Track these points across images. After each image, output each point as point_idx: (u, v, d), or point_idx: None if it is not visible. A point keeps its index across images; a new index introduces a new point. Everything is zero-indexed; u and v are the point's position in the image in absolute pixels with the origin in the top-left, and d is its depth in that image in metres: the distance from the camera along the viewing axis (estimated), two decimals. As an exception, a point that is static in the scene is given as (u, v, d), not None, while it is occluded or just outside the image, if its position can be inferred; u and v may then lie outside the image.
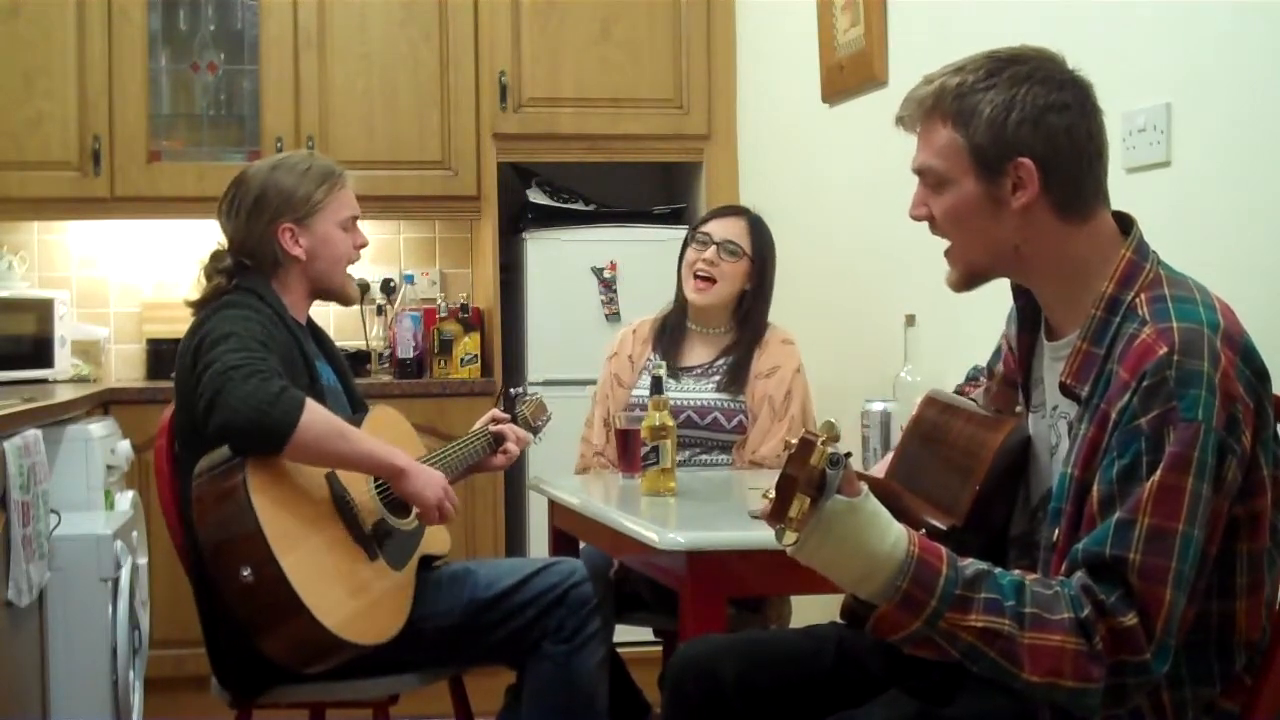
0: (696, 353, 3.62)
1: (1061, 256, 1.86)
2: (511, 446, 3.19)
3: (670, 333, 3.66)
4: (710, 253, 3.55)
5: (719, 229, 3.59)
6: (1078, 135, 1.85)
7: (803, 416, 3.56)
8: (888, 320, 3.40)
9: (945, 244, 1.95)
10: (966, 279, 1.94)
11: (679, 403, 3.45)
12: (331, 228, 3.01)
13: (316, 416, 2.66)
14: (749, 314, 3.61)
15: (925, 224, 1.96)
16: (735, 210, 3.71)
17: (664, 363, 3.28)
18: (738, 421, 3.54)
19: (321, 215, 2.99)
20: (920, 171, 1.93)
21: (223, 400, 2.62)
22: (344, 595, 2.70)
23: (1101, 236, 1.87)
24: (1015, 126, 1.83)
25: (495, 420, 3.22)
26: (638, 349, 3.68)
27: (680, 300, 3.66)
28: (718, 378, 3.57)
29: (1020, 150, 1.83)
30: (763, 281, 3.61)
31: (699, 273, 3.56)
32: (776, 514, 1.67)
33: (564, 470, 3.73)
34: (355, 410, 3.07)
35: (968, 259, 1.92)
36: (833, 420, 1.68)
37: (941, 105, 1.87)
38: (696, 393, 3.55)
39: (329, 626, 2.61)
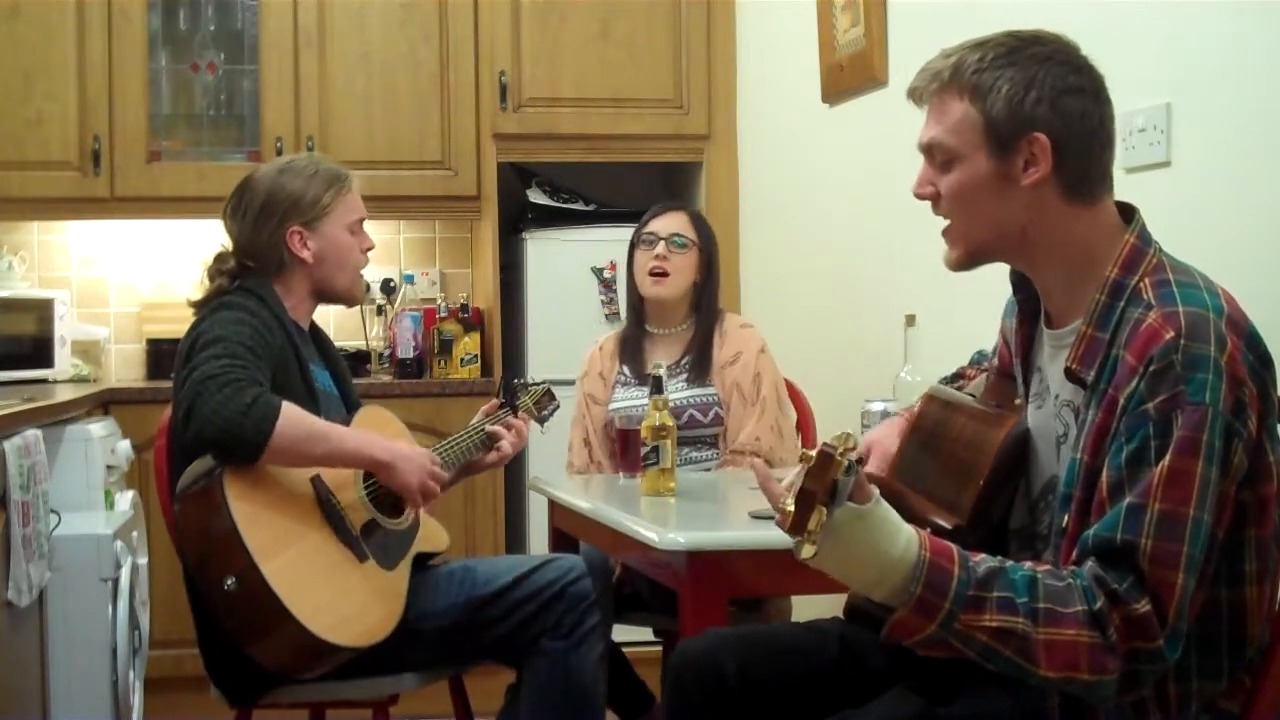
0: (660, 355, 3.64)
1: (1066, 240, 1.86)
2: (505, 446, 3.14)
3: (632, 342, 3.69)
4: (660, 248, 3.61)
5: (663, 225, 3.65)
6: (1091, 120, 1.86)
7: (775, 396, 3.58)
8: (888, 320, 3.40)
9: (944, 224, 1.93)
10: (967, 259, 1.93)
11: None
12: (339, 231, 3.00)
13: (292, 421, 2.65)
14: (703, 303, 3.66)
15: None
16: (674, 206, 3.75)
17: (662, 363, 3.28)
18: (714, 414, 3.57)
19: (329, 218, 2.99)
20: (928, 147, 1.92)
21: (196, 411, 2.61)
22: (331, 598, 2.69)
23: (1105, 224, 1.87)
24: (1033, 105, 1.83)
25: (488, 414, 3.19)
26: (606, 364, 3.72)
27: (635, 309, 3.71)
28: (685, 375, 3.59)
29: (1036, 127, 1.83)
30: (711, 270, 3.67)
31: (653, 270, 3.61)
32: (796, 527, 1.67)
33: (564, 470, 3.73)
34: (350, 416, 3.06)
35: (971, 238, 1.91)
36: (849, 432, 1.67)
37: (960, 79, 1.87)
38: (668, 394, 3.55)
39: (315, 631, 2.60)
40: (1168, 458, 1.69)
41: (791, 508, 1.67)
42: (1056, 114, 1.84)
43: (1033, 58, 1.86)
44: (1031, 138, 1.83)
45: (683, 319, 3.68)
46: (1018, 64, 1.85)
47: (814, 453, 1.65)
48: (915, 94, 1.94)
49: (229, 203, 3.02)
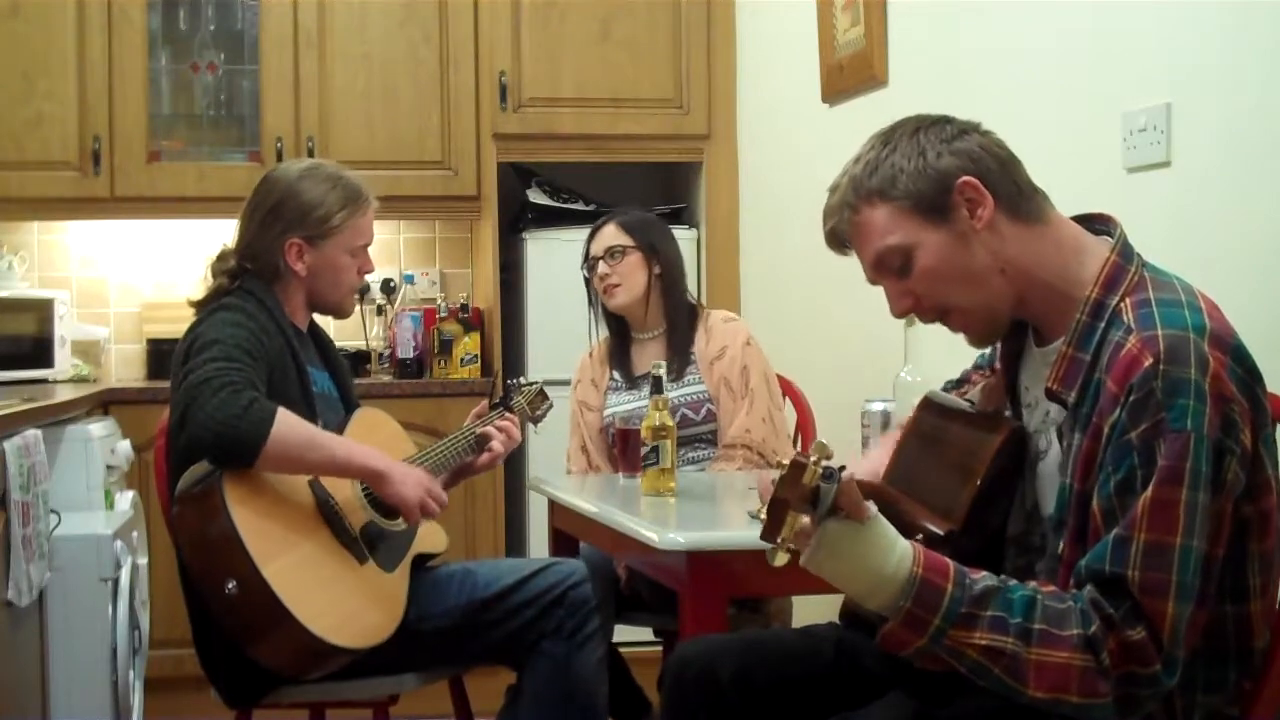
0: (645, 358, 3.65)
1: (1039, 265, 1.86)
2: (496, 445, 3.10)
3: (618, 348, 3.71)
4: (601, 267, 3.65)
5: (597, 245, 3.69)
6: (990, 147, 1.88)
7: (765, 386, 3.57)
8: (888, 320, 3.40)
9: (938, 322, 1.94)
10: (986, 332, 1.94)
11: (644, 411, 3.44)
12: (340, 253, 2.96)
13: (288, 427, 2.63)
14: (667, 295, 3.66)
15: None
16: (601, 222, 3.76)
17: (662, 363, 3.28)
18: (705, 410, 3.57)
19: (334, 239, 2.95)
20: (878, 264, 1.91)
21: (191, 415, 2.60)
22: (332, 600, 2.69)
23: (1068, 238, 1.88)
24: (936, 160, 1.86)
25: (479, 416, 3.16)
26: (598, 370, 3.73)
27: (613, 319, 3.72)
28: (669, 374, 3.59)
29: (955, 174, 1.85)
30: (665, 263, 3.67)
31: (604, 288, 3.65)
32: (768, 534, 1.68)
33: (563, 470, 3.73)
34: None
35: (973, 310, 1.90)
36: (824, 441, 1.68)
37: (862, 190, 1.89)
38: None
39: (317, 632, 2.60)
40: (1151, 488, 1.69)
41: (764, 516, 1.68)
42: (960, 156, 1.86)
43: (905, 134, 1.89)
44: (959, 185, 1.85)
45: (659, 321, 3.68)
46: (898, 146, 1.88)
47: (787, 462, 1.66)
48: (835, 238, 1.96)
49: (250, 197, 3.01)
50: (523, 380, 3.36)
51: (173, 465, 2.81)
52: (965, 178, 1.84)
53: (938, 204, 1.85)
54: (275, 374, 2.80)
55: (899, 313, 1.94)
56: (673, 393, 3.56)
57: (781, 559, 1.69)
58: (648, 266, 3.65)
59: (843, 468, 1.69)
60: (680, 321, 3.65)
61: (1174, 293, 1.81)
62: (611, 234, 3.68)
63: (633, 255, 3.64)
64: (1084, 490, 1.77)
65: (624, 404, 3.61)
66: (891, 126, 1.92)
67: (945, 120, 1.90)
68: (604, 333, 3.77)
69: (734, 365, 3.58)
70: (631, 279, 3.64)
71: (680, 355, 3.61)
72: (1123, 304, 1.80)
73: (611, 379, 3.70)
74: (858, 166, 1.90)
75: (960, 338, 2.03)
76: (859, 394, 3.19)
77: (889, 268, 1.91)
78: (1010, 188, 1.87)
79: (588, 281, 3.73)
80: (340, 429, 2.93)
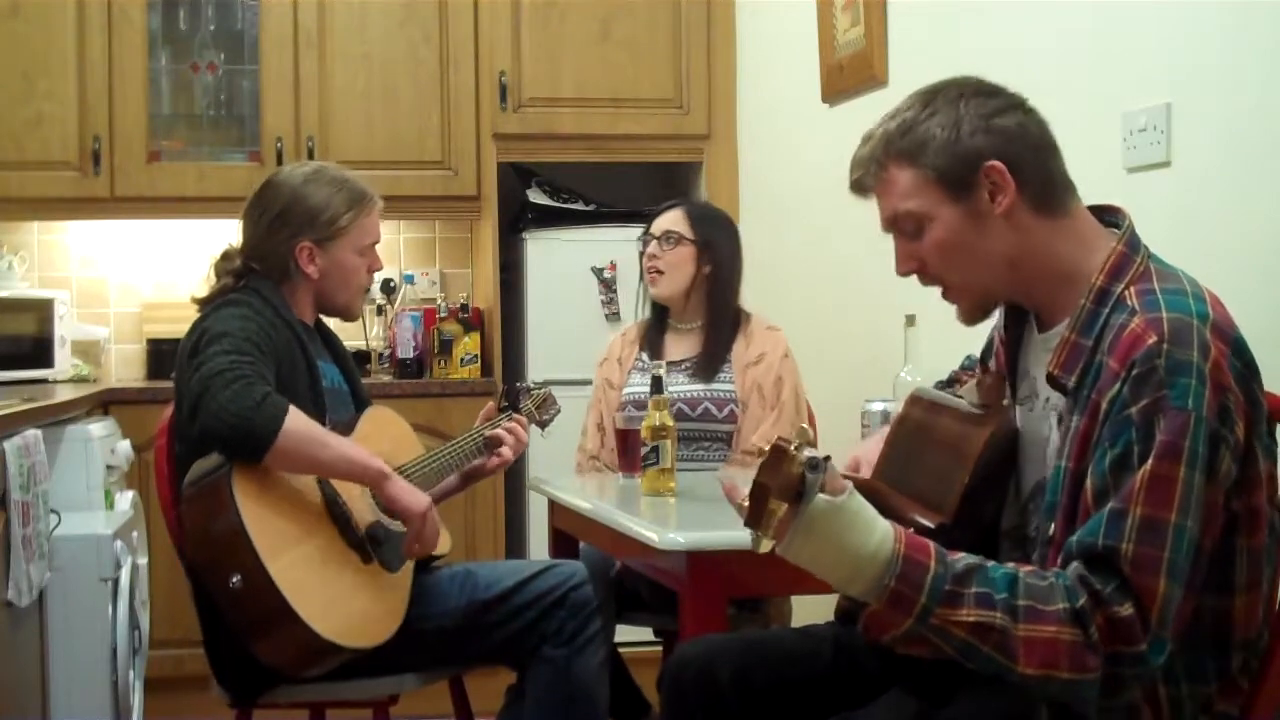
0: (679, 348, 3.65)
1: (1051, 257, 1.86)
2: (506, 451, 3.12)
3: (653, 333, 3.71)
4: (653, 247, 3.64)
5: (658, 224, 3.67)
6: (1030, 132, 1.87)
7: (795, 401, 3.57)
8: (888, 320, 3.40)
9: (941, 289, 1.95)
10: (979, 310, 1.94)
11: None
12: (350, 254, 2.98)
13: (298, 424, 2.64)
14: (712, 297, 3.64)
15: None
16: (673, 204, 3.75)
17: (663, 362, 3.28)
18: (729, 410, 3.56)
19: (343, 240, 2.96)
20: (893, 222, 1.92)
21: (205, 406, 2.61)
22: (336, 599, 2.69)
23: (1084, 231, 1.88)
24: (969, 137, 1.85)
25: (487, 418, 3.18)
26: (626, 350, 3.73)
27: (656, 304, 3.72)
28: (693, 371, 3.59)
29: (984, 156, 1.84)
30: (717, 264, 3.64)
31: (649, 269, 3.64)
32: (750, 521, 1.67)
33: (564, 470, 3.73)
34: (360, 412, 3.06)
35: (972, 288, 1.91)
36: (805, 426, 1.69)
37: (892, 149, 1.89)
38: (683, 386, 3.56)
39: (320, 631, 2.60)
40: (1150, 463, 1.69)
41: (747, 503, 1.67)
42: (995, 136, 1.85)
43: (947, 99, 1.88)
44: (986, 168, 1.84)
45: (699, 315, 3.67)
46: (937, 111, 1.87)
47: (768, 447, 1.66)
48: (859, 187, 1.96)
49: (250, 200, 3.01)
50: (532, 384, 3.37)
51: (181, 456, 2.82)
52: (993, 161, 1.84)
53: (962, 180, 1.85)
54: (283, 368, 2.81)
55: (902, 272, 1.95)
56: (699, 385, 3.55)
57: (766, 545, 1.68)
58: (698, 262, 3.62)
59: (828, 457, 1.69)
60: (721, 323, 3.62)
61: (1179, 283, 1.81)
62: (673, 219, 3.67)
63: (686, 247, 3.62)
64: (1078, 470, 1.77)
65: (644, 385, 3.60)
66: (938, 85, 1.90)
67: (993, 92, 1.88)
68: (646, 313, 3.76)
69: (769, 373, 3.56)
70: (678, 269, 3.62)
71: (709, 359, 3.59)
72: (1127, 291, 1.80)
73: (639, 359, 3.69)
74: (893, 122, 1.89)
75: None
76: (859, 394, 3.19)
77: (903, 229, 1.92)
78: (1039, 181, 1.86)
79: (641, 255, 3.71)
80: (350, 426, 2.93)
